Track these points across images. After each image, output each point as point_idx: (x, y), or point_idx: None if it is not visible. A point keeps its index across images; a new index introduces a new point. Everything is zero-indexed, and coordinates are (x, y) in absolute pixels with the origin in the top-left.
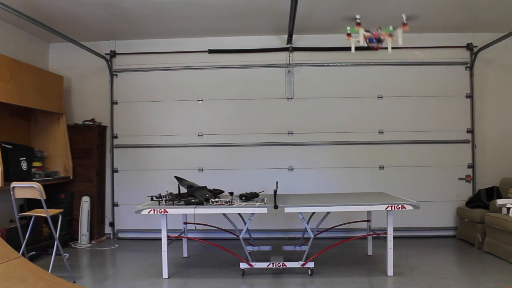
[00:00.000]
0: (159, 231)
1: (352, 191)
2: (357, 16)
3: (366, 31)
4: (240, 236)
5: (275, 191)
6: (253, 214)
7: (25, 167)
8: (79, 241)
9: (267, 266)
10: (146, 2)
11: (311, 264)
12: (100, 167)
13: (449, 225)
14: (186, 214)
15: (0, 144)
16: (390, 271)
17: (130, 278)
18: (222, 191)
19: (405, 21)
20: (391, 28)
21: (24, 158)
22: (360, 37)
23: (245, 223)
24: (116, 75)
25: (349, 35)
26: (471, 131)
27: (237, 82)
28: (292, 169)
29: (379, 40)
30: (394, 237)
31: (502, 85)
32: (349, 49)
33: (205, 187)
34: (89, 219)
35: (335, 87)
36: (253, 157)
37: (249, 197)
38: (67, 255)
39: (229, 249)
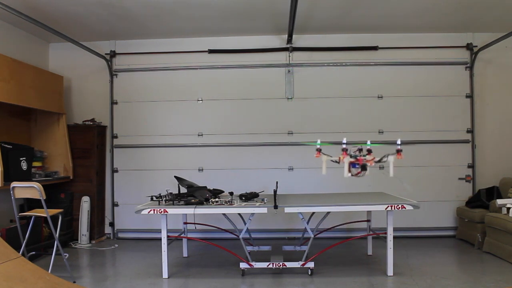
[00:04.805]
0: (159, 231)
1: (352, 191)
2: (344, 141)
3: (348, 153)
4: (240, 236)
5: (275, 191)
6: (253, 214)
7: (25, 167)
8: (79, 241)
9: (267, 266)
10: (146, 2)
11: (311, 264)
12: (100, 167)
13: (449, 225)
14: (186, 214)
15: (0, 144)
16: (390, 271)
17: (130, 278)
18: (222, 191)
19: (399, 148)
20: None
21: (24, 158)
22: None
23: (245, 223)
24: (116, 75)
25: (319, 150)
26: (471, 131)
27: (237, 82)
28: (292, 169)
29: (364, 167)
30: (394, 237)
31: (502, 85)
32: (349, 49)
33: (205, 187)
34: (89, 219)
35: (335, 87)
36: (253, 157)
37: (249, 197)
38: (67, 255)
39: (229, 249)
